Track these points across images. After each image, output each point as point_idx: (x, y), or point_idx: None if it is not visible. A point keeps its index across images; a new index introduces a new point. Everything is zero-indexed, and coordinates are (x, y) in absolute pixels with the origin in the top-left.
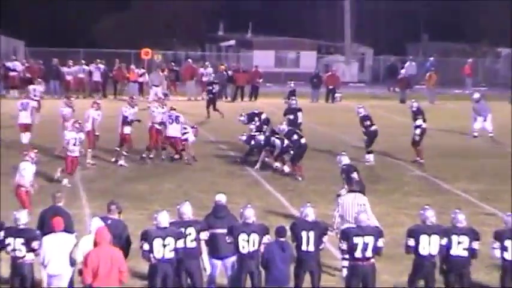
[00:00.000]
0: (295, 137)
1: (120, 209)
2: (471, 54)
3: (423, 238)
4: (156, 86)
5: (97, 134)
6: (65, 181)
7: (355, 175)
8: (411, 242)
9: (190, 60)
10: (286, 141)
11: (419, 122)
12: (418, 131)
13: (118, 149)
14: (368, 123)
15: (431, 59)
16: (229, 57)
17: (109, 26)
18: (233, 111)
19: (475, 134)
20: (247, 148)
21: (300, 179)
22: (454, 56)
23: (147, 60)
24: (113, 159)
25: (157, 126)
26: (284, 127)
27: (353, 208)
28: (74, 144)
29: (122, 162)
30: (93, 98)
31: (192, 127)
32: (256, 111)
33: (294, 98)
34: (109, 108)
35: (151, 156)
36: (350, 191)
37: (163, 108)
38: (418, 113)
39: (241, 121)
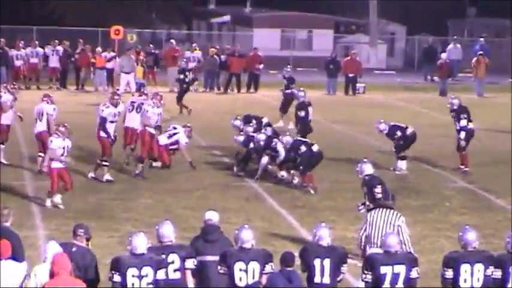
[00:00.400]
0: (303, 148)
1: (89, 235)
2: None
3: (464, 268)
4: (127, 73)
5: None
6: (49, 202)
7: (378, 189)
8: (449, 274)
9: (173, 41)
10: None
11: (463, 122)
12: (462, 134)
13: (100, 161)
14: (399, 133)
15: (482, 39)
16: (223, 38)
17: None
18: (227, 105)
19: None
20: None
21: (312, 192)
22: (508, 36)
23: (117, 40)
24: (91, 175)
25: (151, 130)
26: (288, 139)
27: (385, 229)
28: (62, 154)
29: (107, 176)
30: (50, 90)
31: (184, 126)
32: (254, 115)
33: (300, 89)
34: (70, 102)
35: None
36: (382, 206)
37: (159, 107)
38: (461, 112)
39: (235, 127)
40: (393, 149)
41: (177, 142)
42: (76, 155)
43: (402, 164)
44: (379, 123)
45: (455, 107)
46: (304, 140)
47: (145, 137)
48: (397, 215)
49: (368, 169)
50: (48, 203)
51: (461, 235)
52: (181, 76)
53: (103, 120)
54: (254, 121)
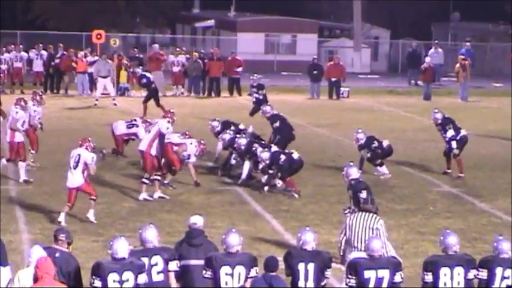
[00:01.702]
0: (283, 157)
1: (71, 239)
2: None
3: (444, 271)
4: (103, 77)
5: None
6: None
7: (363, 194)
8: (428, 277)
9: (157, 45)
10: (274, 148)
11: (450, 133)
12: (454, 143)
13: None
14: (376, 143)
15: (468, 44)
16: (207, 42)
17: (54, 2)
18: (211, 109)
19: None
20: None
21: (296, 196)
22: (492, 41)
23: (99, 45)
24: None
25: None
26: (266, 155)
27: (364, 232)
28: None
29: (159, 194)
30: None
31: (199, 142)
32: (233, 122)
33: (266, 105)
34: (53, 106)
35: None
36: (362, 210)
37: (39, 106)
38: (445, 123)
39: (211, 128)
40: (367, 160)
41: (134, 134)
42: (59, 159)
43: (383, 169)
44: (358, 132)
45: (439, 121)
46: (281, 150)
47: (168, 153)
48: (376, 218)
49: (354, 173)
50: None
51: (442, 239)
52: (144, 80)
53: (162, 137)
54: (233, 127)
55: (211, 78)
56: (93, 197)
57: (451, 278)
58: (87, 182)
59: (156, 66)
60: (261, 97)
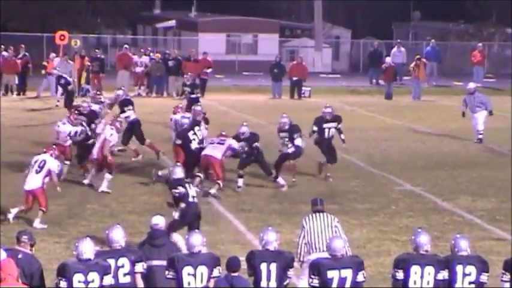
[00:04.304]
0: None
1: (34, 241)
2: (474, 36)
3: (414, 270)
4: None
5: None
6: None
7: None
8: (399, 275)
9: (127, 45)
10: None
11: (298, 141)
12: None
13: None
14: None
15: (433, 41)
16: (168, 42)
17: (14, 2)
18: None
19: (480, 136)
20: None
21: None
22: (452, 40)
23: (62, 46)
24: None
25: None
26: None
27: (325, 232)
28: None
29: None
30: None
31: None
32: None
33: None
34: (15, 108)
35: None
36: (315, 211)
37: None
38: (293, 131)
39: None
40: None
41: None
42: (21, 160)
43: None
44: (284, 117)
45: (286, 127)
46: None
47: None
48: (332, 216)
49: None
50: None
51: (413, 238)
52: (61, 82)
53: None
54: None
55: None
56: (42, 208)
57: (421, 277)
58: (43, 190)
59: (123, 67)
60: (194, 96)
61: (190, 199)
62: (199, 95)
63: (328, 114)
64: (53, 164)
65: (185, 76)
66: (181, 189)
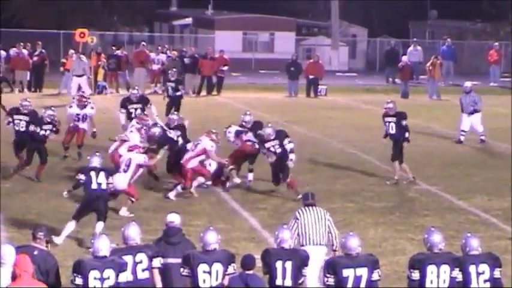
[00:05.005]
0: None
1: (50, 238)
2: (491, 36)
3: (431, 269)
4: (78, 76)
5: None
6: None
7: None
8: (415, 275)
9: (144, 43)
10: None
11: (290, 145)
12: (292, 155)
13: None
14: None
15: (449, 40)
16: (185, 40)
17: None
18: (190, 107)
19: (462, 137)
20: None
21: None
22: (469, 39)
23: (82, 43)
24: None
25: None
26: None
27: (319, 225)
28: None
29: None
30: (12, 93)
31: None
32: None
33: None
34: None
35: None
36: (306, 205)
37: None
38: (282, 137)
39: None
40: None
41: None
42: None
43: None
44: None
45: (272, 137)
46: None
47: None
48: (323, 210)
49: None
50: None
51: (426, 237)
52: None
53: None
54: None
55: (203, 76)
56: (132, 199)
57: (438, 276)
58: (131, 185)
59: (139, 64)
60: (179, 93)
61: (94, 186)
62: (183, 91)
63: (390, 109)
64: (139, 158)
65: (169, 72)
66: (81, 176)
